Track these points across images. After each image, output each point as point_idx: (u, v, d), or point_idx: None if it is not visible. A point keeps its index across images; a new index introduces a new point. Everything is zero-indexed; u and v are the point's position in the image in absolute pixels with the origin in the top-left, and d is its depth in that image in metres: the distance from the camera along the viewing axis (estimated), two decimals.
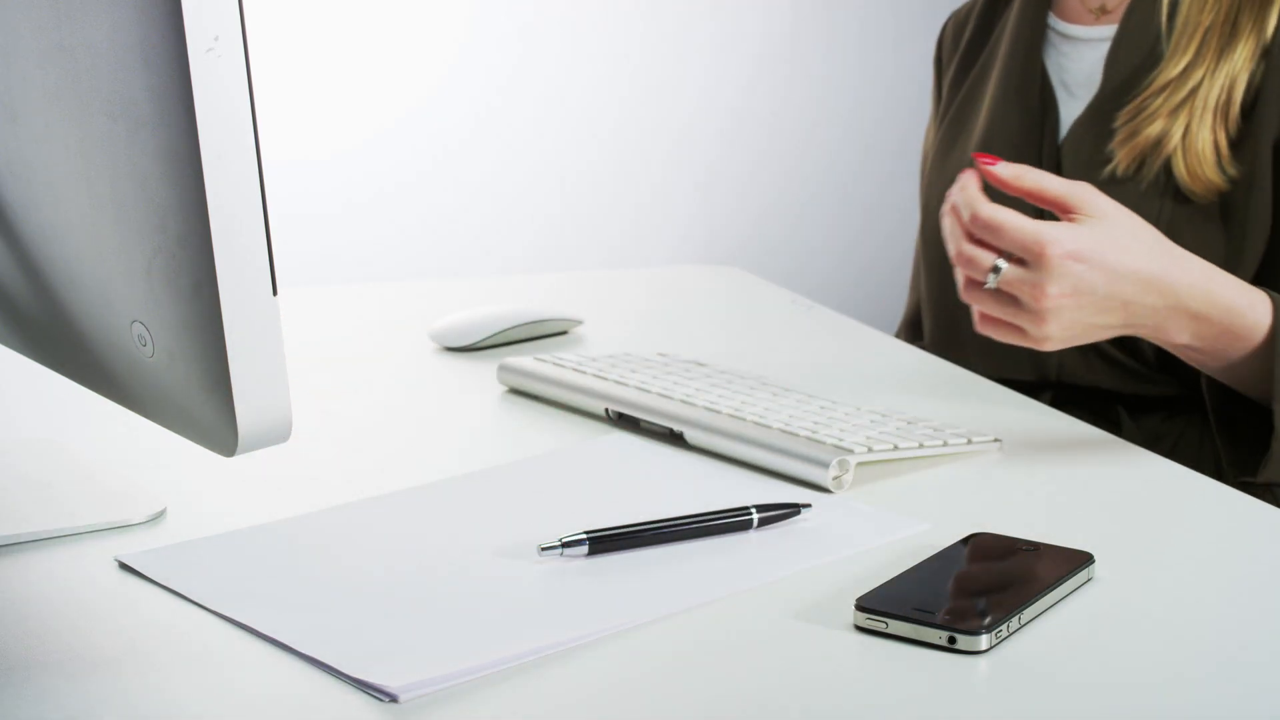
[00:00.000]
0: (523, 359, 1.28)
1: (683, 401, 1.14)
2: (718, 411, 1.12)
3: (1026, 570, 0.86)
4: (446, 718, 0.71)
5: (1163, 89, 1.33)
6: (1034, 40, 1.47)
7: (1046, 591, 0.83)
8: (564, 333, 1.48)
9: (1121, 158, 1.34)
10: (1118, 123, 1.36)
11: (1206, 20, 1.33)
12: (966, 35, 1.58)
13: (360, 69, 2.97)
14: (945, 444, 1.08)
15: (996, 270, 1.07)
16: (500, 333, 1.42)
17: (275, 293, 0.71)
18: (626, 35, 3.15)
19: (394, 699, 0.73)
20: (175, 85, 0.67)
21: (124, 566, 0.89)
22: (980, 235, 1.08)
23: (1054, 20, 1.48)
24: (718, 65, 3.24)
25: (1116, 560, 0.89)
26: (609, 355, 1.29)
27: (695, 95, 3.22)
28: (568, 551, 0.89)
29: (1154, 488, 1.05)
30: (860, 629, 0.80)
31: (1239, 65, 1.31)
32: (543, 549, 0.89)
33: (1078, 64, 1.45)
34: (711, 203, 3.26)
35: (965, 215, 1.09)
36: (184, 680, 0.75)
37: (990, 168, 1.11)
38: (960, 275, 1.12)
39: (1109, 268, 1.07)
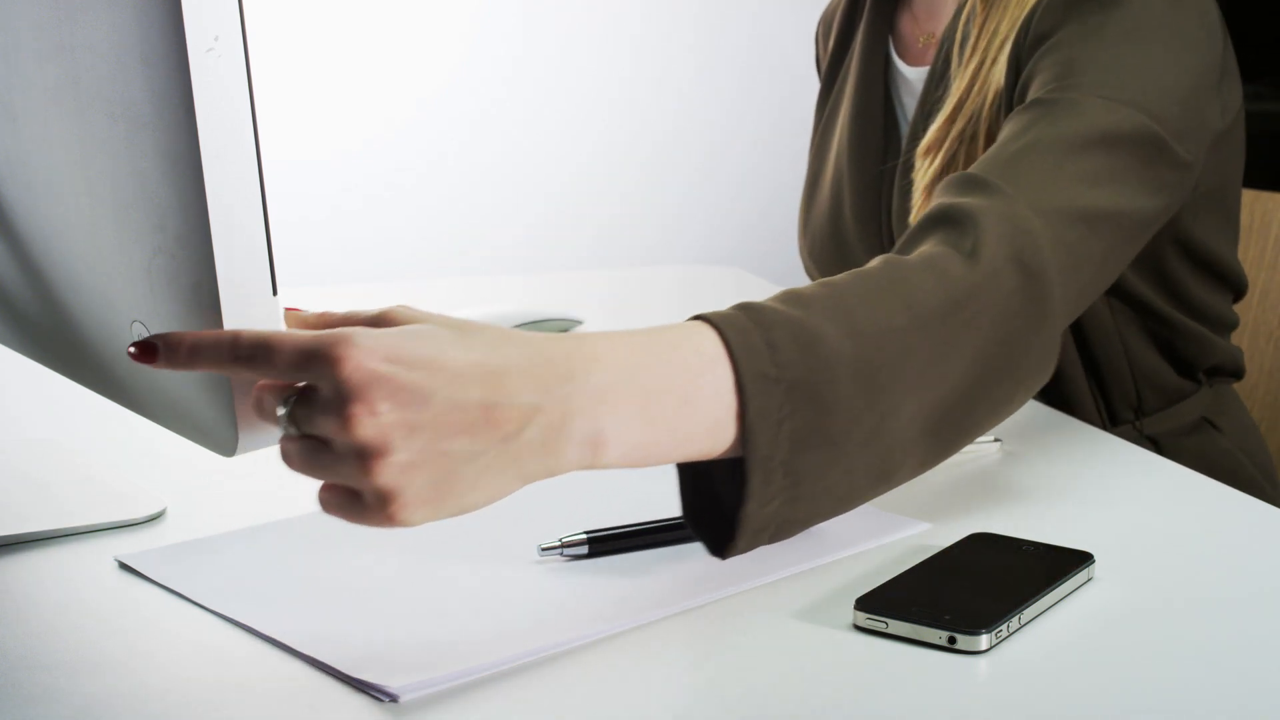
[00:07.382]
0: None
1: None
2: None
3: (1026, 570, 0.86)
4: (446, 718, 0.71)
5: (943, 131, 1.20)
6: (875, 76, 1.36)
7: (1046, 591, 0.83)
8: (564, 332, 1.48)
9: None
10: (913, 174, 1.23)
11: (975, 58, 1.20)
12: (832, 42, 1.46)
13: (361, 68, 2.97)
14: None
15: (286, 404, 0.71)
16: None
17: (275, 293, 0.71)
18: (627, 35, 3.15)
19: (394, 699, 0.73)
20: (175, 85, 0.67)
21: (124, 566, 0.89)
22: (258, 371, 0.71)
23: (893, 54, 1.37)
24: (717, 64, 3.24)
25: (1116, 560, 0.89)
26: None
27: (696, 94, 3.22)
28: (568, 551, 0.89)
29: (1154, 488, 1.05)
30: (860, 629, 0.80)
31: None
32: (543, 549, 0.89)
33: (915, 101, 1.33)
34: (712, 203, 3.26)
35: (227, 352, 0.71)
36: (184, 680, 0.75)
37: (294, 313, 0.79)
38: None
39: (440, 364, 0.71)
